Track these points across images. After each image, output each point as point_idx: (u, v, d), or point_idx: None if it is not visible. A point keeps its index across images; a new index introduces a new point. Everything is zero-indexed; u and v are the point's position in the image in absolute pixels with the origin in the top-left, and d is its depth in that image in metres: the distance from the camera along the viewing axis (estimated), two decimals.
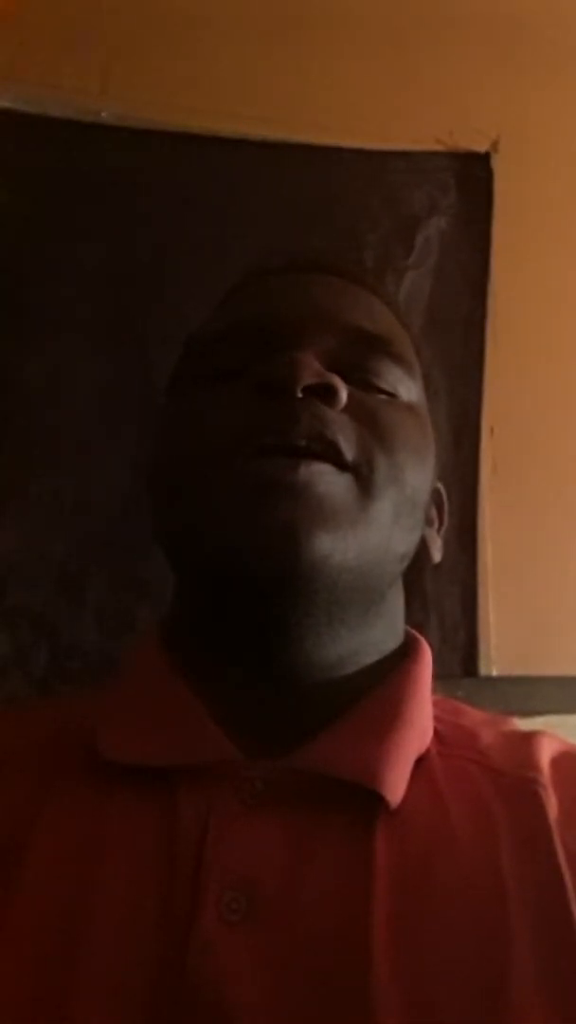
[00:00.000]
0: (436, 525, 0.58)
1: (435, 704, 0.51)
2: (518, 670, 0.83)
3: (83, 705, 0.50)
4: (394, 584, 0.51)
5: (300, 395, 0.44)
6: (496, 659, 0.83)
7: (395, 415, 0.49)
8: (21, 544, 0.76)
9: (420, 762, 0.45)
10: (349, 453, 0.45)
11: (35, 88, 0.83)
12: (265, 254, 0.65)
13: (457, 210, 0.91)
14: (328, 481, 0.44)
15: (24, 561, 0.76)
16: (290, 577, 0.42)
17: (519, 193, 0.93)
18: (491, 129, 0.93)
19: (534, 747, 0.47)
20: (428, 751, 0.47)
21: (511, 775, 0.45)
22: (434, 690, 0.52)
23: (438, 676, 0.53)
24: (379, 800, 0.42)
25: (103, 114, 0.84)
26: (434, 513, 0.57)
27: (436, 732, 0.48)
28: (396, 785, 0.43)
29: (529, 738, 0.49)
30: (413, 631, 0.54)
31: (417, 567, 0.53)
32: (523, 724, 0.53)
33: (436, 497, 0.57)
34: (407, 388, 0.52)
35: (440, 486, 0.58)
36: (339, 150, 0.89)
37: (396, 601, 0.52)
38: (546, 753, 0.47)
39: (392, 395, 0.51)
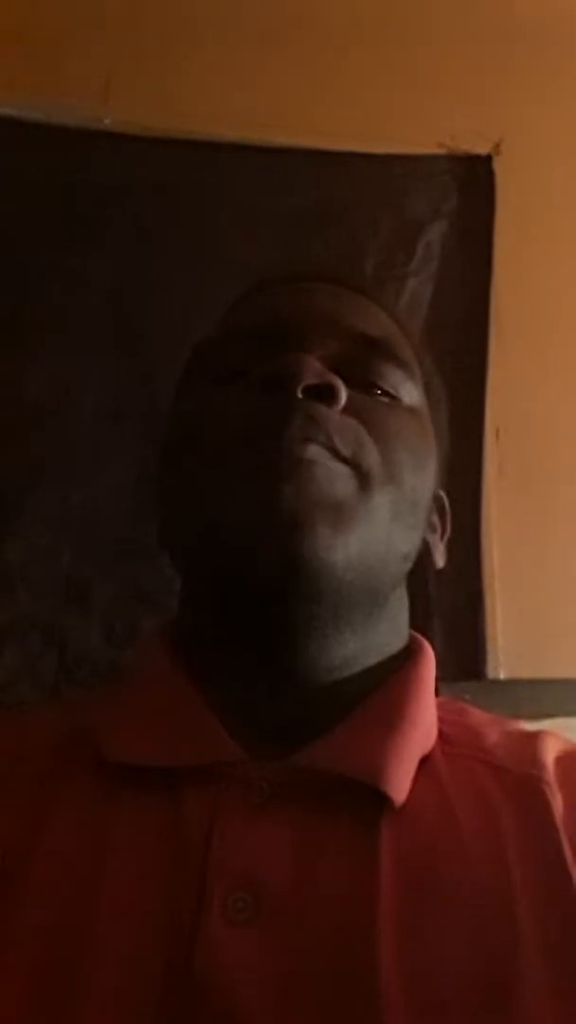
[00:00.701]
0: (439, 532, 0.58)
1: (440, 705, 0.51)
2: (525, 673, 0.83)
3: (90, 707, 0.50)
4: (398, 586, 0.51)
5: (300, 395, 0.45)
6: (503, 662, 0.83)
7: (395, 416, 0.50)
8: (29, 555, 0.77)
9: (425, 762, 0.46)
10: (345, 450, 0.45)
11: (37, 96, 0.84)
12: (268, 261, 0.66)
13: (459, 213, 0.92)
14: (328, 466, 0.44)
15: (32, 571, 0.77)
16: (295, 571, 0.42)
17: (521, 196, 0.93)
18: (493, 132, 0.93)
19: (539, 745, 0.48)
20: (433, 751, 0.47)
21: (516, 773, 0.45)
22: (441, 693, 0.52)
23: (444, 679, 0.53)
24: (384, 799, 0.42)
25: (106, 121, 0.85)
26: (436, 520, 0.57)
27: (441, 732, 0.49)
28: (400, 783, 0.43)
29: (534, 737, 0.49)
30: (416, 634, 0.54)
31: (421, 573, 0.54)
32: (531, 727, 0.53)
33: (438, 504, 0.58)
34: (408, 391, 0.52)
35: (442, 493, 0.59)
36: (341, 154, 0.89)
37: (400, 604, 0.53)
38: (551, 751, 0.47)
39: (393, 397, 0.51)
